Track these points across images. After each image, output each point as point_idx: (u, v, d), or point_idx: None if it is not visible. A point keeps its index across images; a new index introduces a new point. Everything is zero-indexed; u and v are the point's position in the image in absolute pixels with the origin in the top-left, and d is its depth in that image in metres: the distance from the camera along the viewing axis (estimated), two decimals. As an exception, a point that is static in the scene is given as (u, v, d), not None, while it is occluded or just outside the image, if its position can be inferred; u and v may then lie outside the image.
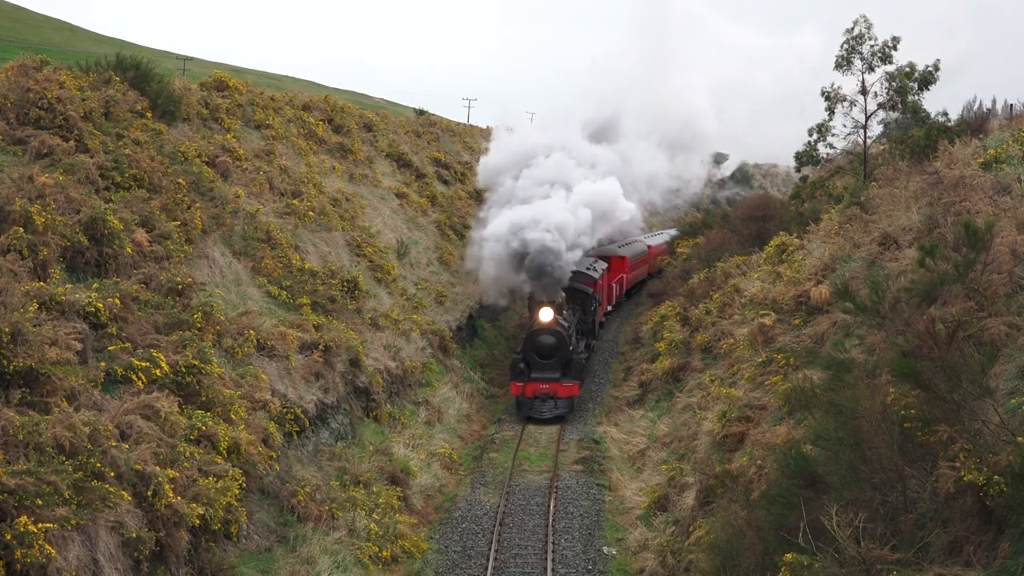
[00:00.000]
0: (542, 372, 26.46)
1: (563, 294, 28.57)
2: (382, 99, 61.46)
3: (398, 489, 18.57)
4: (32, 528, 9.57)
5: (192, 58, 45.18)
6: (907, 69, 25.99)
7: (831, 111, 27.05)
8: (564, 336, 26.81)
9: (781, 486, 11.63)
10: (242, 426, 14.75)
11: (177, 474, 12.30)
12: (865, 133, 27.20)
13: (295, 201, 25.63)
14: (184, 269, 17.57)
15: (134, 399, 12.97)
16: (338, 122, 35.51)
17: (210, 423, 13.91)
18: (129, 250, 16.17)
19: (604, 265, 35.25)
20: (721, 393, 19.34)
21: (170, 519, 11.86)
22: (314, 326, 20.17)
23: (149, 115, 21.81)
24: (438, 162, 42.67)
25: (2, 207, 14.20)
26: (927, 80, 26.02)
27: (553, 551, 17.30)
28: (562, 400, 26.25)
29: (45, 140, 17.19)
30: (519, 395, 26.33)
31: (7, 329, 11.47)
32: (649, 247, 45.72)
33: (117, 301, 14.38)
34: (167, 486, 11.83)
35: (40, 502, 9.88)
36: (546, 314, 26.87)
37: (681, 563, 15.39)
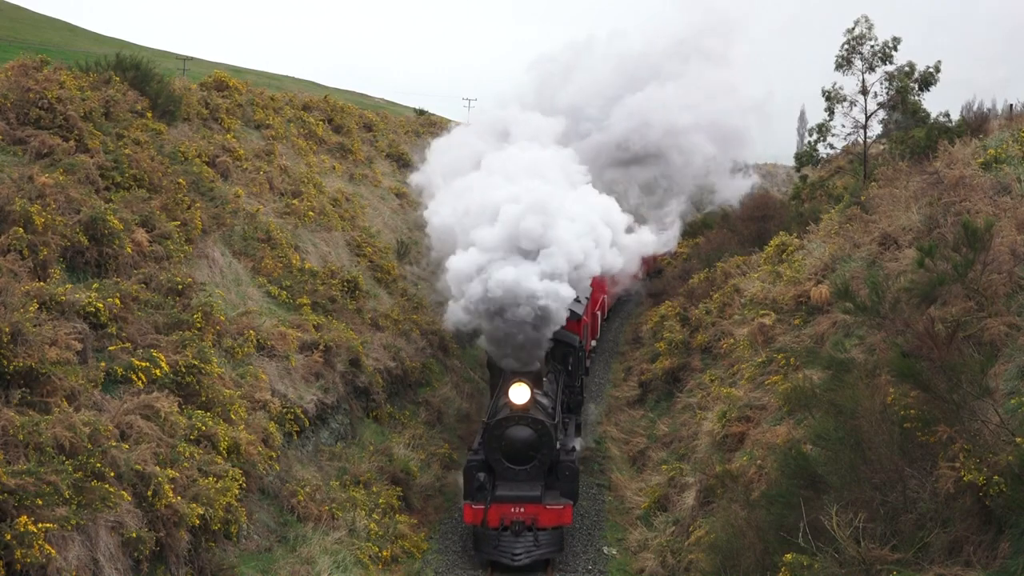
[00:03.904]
0: (514, 487, 17.08)
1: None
2: (382, 99, 61.41)
3: (398, 489, 18.57)
4: (32, 528, 9.56)
5: (192, 58, 45.12)
6: (907, 69, 26.03)
7: (831, 111, 27.08)
8: (547, 427, 17.27)
9: (781, 486, 11.65)
10: (242, 426, 14.75)
11: (177, 474, 12.30)
12: (865, 133, 27.22)
13: (295, 201, 25.63)
14: (184, 269, 17.58)
15: (134, 399, 12.97)
16: (338, 122, 35.51)
17: (210, 423, 13.91)
18: (129, 250, 16.16)
19: (588, 289, 25.51)
20: (721, 393, 19.33)
21: (170, 519, 11.85)
22: (314, 326, 20.17)
23: (149, 115, 21.80)
24: (438, 162, 42.62)
25: (2, 207, 14.20)
26: (927, 80, 26.07)
27: (553, 551, 17.24)
28: (546, 534, 16.71)
29: (45, 140, 17.18)
30: (478, 525, 16.70)
31: (7, 329, 11.47)
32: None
33: (117, 301, 14.38)
34: (167, 486, 11.83)
35: (40, 502, 9.87)
36: (520, 394, 17.21)
37: (681, 563, 15.39)
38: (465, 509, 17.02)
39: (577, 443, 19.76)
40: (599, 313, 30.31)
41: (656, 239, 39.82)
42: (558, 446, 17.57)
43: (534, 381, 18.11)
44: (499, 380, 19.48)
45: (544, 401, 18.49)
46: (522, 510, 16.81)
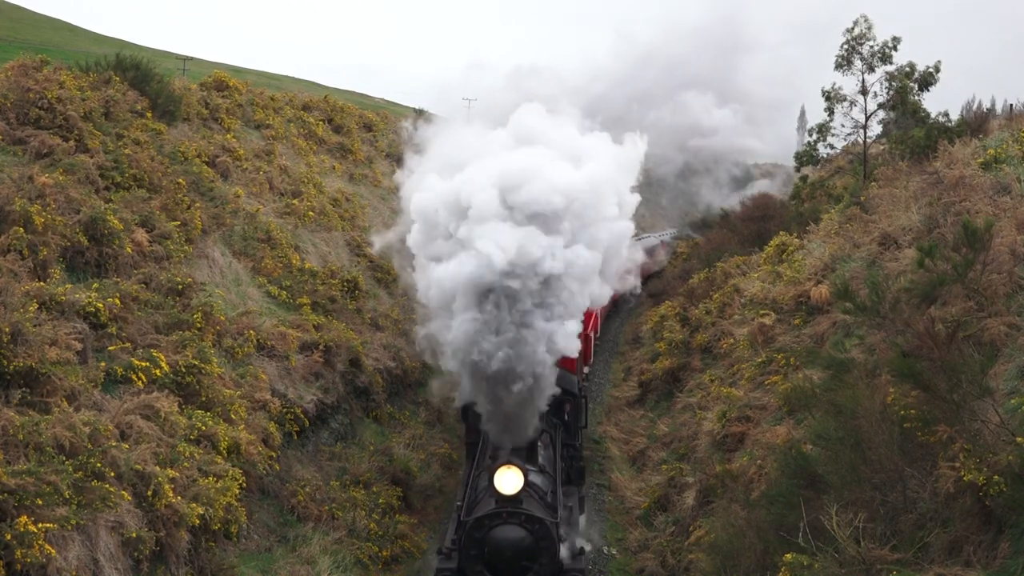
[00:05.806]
0: None
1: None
2: (382, 99, 61.37)
3: (398, 489, 18.56)
4: (32, 528, 9.55)
5: (192, 58, 45.07)
6: (907, 69, 26.02)
7: (831, 111, 27.07)
8: (547, 527, 12.28)
9: (781, 486, 11.65)
10: (242, 426, 14.74)
11: (177, 474, 12.29)
12: (865, 133, 27.21)
13: (295, 201, 25.63)
14: (184, 269, 17.57)
15: (134, 399, 12.96)
16: (338, 122, 35.52)
17: (210, 423, 13.90)
18: (129, 250, 16.17)
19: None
20: (721, 393, 19.33)
21: (170, 519, 11.84)
22: (314, 326, 20.16)
23: (149, 115, 21.82)
24: (438, 162, 42.53)
25: (2, 207, 14.20)
26: (927, 81, 26.06)
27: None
28: None
29: (45, 140, 17.19)
30: None
31: (7, 329, 11.46)
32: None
33: (117, 301, 14.38)
34: (167, 486, 11.82)
35: (40, 502, 9.87)
36: (510, 481, 12.26)
37: (681, 563, 15.39)
38: None
39: (582, 525, 15.32)
40: (592, 335, 26.33)
41: (659, 248, 39.47)
42: (562, 551, 12.52)
43: (527, 454, 13.81)
44: (478, 438, 15.23)
45: (539, 482, 13.52)
46: None
